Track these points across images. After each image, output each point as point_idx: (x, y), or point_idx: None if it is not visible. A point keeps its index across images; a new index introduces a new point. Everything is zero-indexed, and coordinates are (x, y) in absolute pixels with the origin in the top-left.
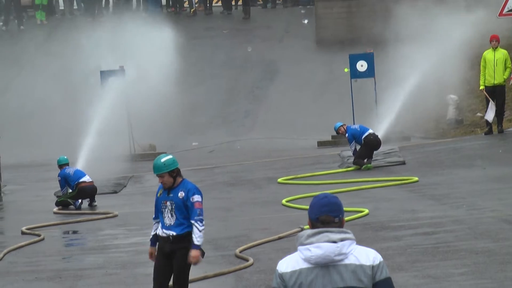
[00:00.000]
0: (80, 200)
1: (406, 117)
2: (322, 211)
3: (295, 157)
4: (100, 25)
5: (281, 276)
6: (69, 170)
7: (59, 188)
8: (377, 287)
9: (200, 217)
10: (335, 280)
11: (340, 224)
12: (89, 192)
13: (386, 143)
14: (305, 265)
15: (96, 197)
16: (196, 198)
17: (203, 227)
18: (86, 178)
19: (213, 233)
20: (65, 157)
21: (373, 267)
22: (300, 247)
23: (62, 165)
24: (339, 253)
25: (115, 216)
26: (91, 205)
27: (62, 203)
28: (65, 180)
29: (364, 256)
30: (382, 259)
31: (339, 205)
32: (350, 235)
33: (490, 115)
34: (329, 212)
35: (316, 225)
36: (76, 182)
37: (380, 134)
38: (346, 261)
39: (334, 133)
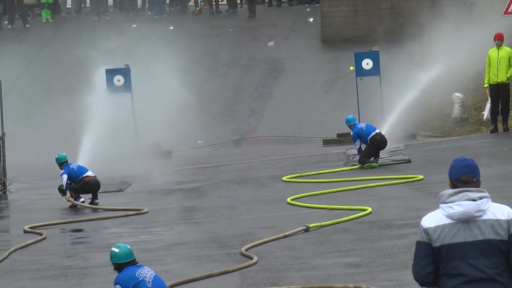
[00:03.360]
0: (81, 199)
1: (412, 115)
2: (462, 172)
3: (301, 155)
4: (106, 23)
5: (426, 230)
6: (72, 165)
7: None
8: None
9: None
10: (475, 234)
11: (477, 183)
12: (92, 186)
13: (391, 141)
14: (448, 221)
15: (101, 195)
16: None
17: None
18: (90, 173)
19: (218, 231)
20: (64, 154)
21: (508, 221)
22: (442, 205)
23: (62, 162)
24: (478, 209)
25: (145, 212)
26: (93, 203)
27: (63, 192)
28: (70, 177)
29: (500, 211)
30: None
31: (477, 167)
32: (487, 194)
33: (486, 113)
34: (468, 173)
35: (457, 185)
36: (81, 177)
37: (385, 132)
38: (485, 217)
39: (340, 131)
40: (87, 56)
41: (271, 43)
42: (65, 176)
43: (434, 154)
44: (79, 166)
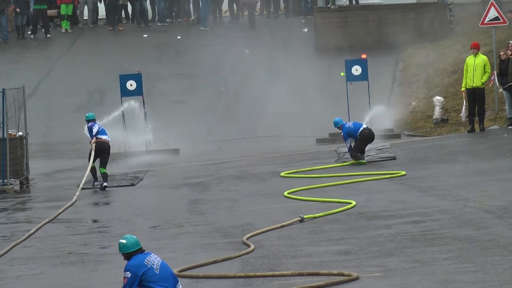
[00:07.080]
0: (104, 184)
1: (396, 117)
2: None
3: (296, 153)
4: (119, 34)
5: None
6: (98, 125)
7: (81, 180)
8: None
9: None
10: None
11: None
12: (102, 147)
13: (378, 139)
14: None
15: (114, 189)
16: (124, 274)
17: None
18: (105, 137)
19: (221, 222)
20: (93, 113)
21: None
22: None
23: (90, 120)
24: None
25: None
26: (103, 176)
27: (92, 171)
28: (90, 130)
29: None
30: None
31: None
32: None
33: (463, 115)
34: None
35: None
36: (98, 136)
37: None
38: None
39: (332, 131)
40: (102, 63)
41: (247, 51)
42: (96, 126)
43: (417, 152)
44: (102, 128)
